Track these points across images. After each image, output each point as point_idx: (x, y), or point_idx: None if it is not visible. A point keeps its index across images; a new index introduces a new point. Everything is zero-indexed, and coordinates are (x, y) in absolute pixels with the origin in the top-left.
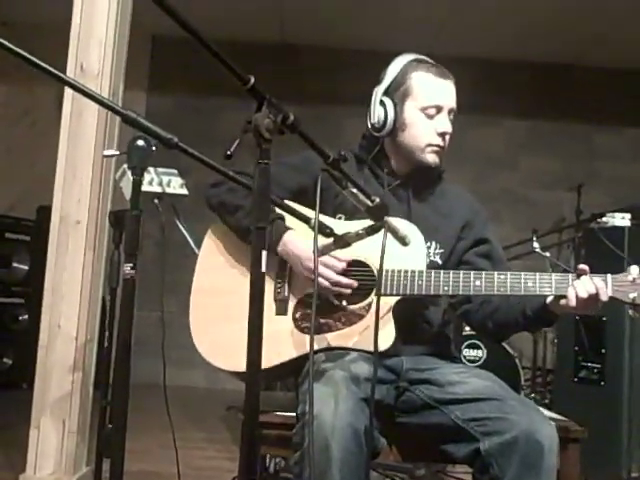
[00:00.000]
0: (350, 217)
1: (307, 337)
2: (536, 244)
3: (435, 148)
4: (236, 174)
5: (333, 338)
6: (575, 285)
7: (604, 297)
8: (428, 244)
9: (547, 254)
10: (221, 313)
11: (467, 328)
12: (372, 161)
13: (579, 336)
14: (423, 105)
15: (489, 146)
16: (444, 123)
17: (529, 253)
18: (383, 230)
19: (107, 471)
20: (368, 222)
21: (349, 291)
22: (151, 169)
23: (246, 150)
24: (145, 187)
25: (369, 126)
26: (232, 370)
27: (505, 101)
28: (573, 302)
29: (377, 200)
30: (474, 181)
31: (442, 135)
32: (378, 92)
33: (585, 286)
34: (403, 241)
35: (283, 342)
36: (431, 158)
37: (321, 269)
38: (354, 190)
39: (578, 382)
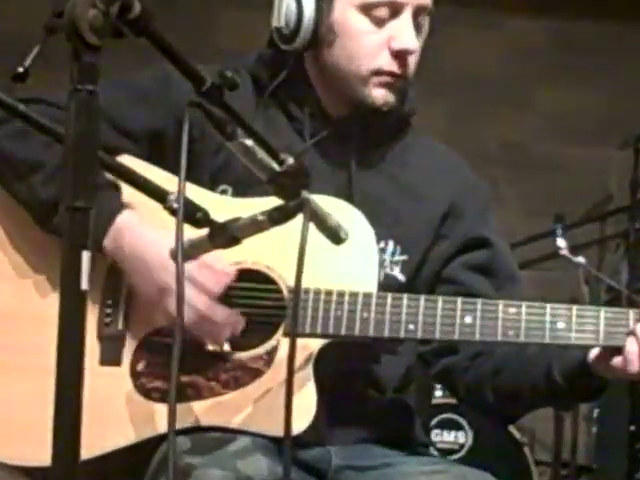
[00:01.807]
0: (242, 190)
1: (157, 407)
2: (561, 241)
3: (386, 79)
4: (26, 103)
5: (206, 410)
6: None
7: None
8: (382, 244)
9: (580, 259)
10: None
11: (439, 393)
12: (285, 91)
13: (637, 409)
14: (366, 0)
15: (480, 66)
16: (404, 33)
17: (548, 257)
18: (301, 216)
19: None
20: (274, 201)
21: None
22: None
23: (53, 64)
24: None
25: (273, 31)
26: (22, 464)
27: None
28: (636, 364)
29: (290, 161)
30: (453, 128)
31: (400, 55)
32: None
33: None
34: (335, 235)
35: (114, 416)
36: (379, 96)
37: (190, 292)
38: (248, 142)
39: None
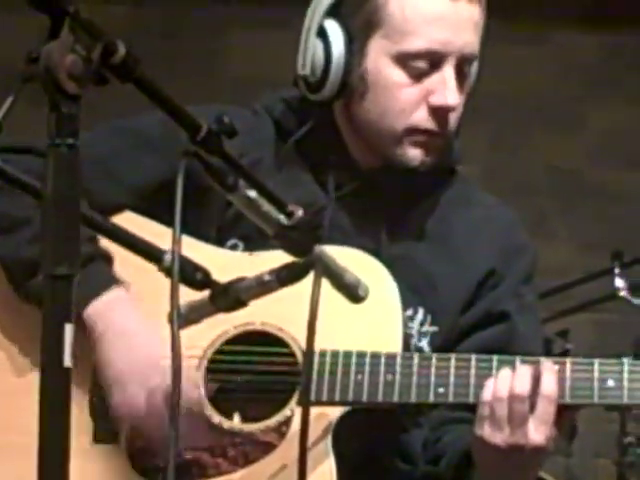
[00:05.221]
0: (254, 246)
1: None
2: (620, 281)
3: (422, 137)
4: (14, 152)
5: None
6: None
7: None
8: (409, 312)
9: None
10: None
11: None
12: (310, 140)
13: None
14: (404, 49)
15: (524, 85)
16: (445, 87)
17: (605, 299)
18: (313, 273)
19: None
20: (284, 256)
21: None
22: None
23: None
24: None
25: (298, 78)
26: None
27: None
28: None
29: (299, 213)
30: (496, 154)
31: (438, 112)
32: (317, 10)
33: None
34: (352, 293)
35: None
36: (413, 156)
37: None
38: (251, 194)
39: None
